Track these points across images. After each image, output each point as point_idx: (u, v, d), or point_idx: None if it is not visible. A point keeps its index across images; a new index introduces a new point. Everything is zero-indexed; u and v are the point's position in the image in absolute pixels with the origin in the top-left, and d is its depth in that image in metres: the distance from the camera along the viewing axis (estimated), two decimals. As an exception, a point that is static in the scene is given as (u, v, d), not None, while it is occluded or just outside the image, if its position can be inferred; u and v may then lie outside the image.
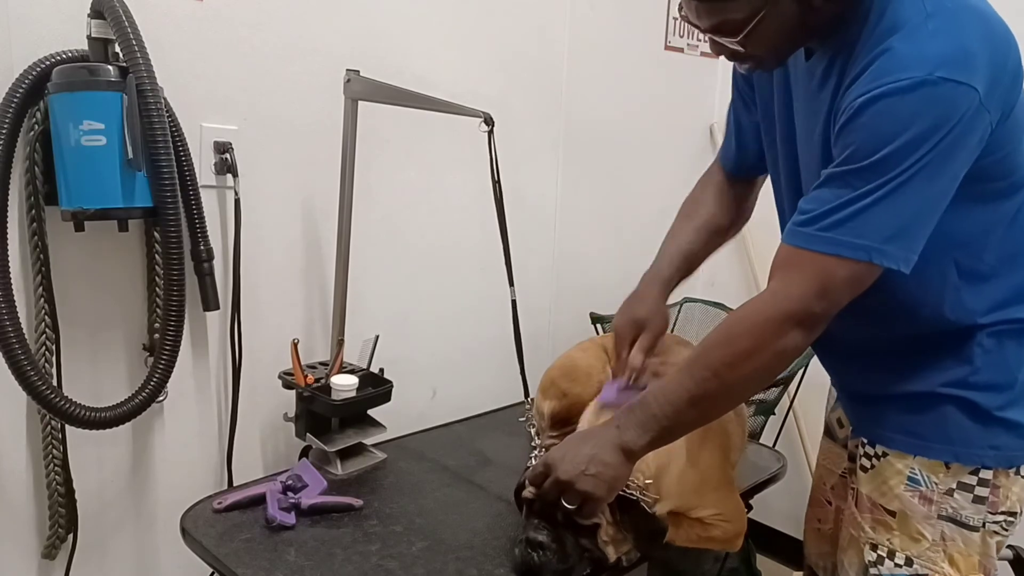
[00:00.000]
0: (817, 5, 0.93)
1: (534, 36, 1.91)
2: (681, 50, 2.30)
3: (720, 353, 0.98)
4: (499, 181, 1.21)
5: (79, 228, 1.19)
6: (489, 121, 1.19)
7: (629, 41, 2.15)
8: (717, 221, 1.31)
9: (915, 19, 0.90)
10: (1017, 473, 1.05)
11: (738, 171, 1.33)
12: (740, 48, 0.97)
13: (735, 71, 1.22)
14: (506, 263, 1.27)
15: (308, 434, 1.43)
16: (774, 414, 1.85)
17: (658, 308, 1.28)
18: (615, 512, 1.09)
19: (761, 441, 1.79)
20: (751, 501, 1.44)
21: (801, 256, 0.94)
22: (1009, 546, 1.83)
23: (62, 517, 1.30)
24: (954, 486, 1.04)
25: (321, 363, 1.53)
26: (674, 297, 2.25)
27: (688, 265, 1.31)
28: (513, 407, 1.88)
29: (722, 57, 1.05)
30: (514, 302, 1.30)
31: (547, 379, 1.59)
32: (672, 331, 2.15)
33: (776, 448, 1.73)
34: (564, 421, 1.49)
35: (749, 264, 2.36)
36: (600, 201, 2.18)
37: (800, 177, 1.12)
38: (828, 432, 1.34)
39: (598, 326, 2.00)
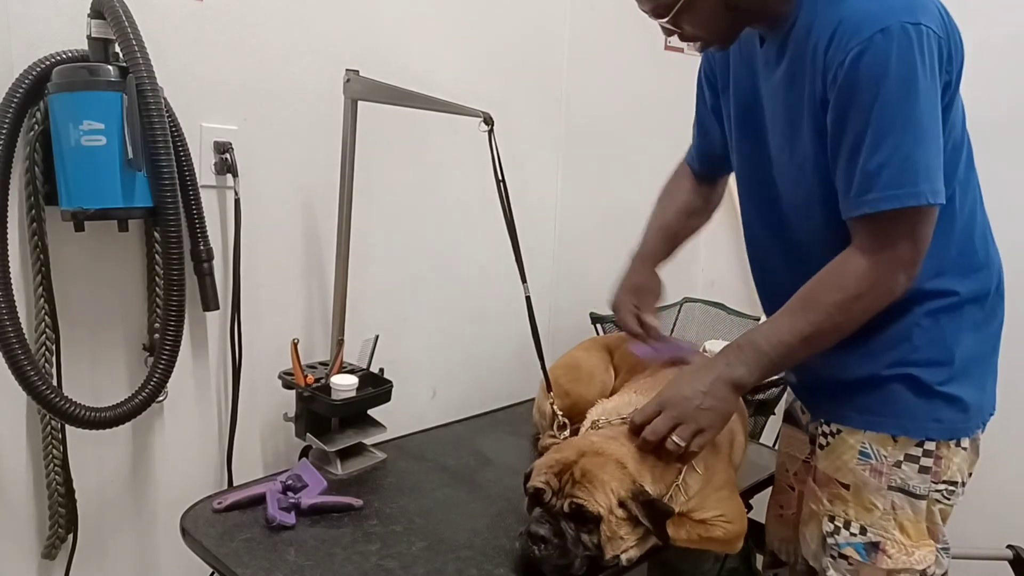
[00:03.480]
0: None
1: (534, 36, 1.91)
2: (681, 50, 2.29)
3: (836, 298, 1.06)
4: (503, 180, 1.21)
5: (79, 228, 1.19)
6: (489, 121, 1.19)
7: (629, 41, 2.15)
8: (694, 204, 1.43)
9: None
10: (958, 445, 1.13)
11: (705, 172, 1.44)
12: (674, 28, 1.10)
13: (699, 76, 1.39)
14: (516, 260, 1.26)
15: (308, 434, 1.43)
16: (774, 414, 1.85)
17: (652, 275, 1.40)
18: (630, 507, 1.10)
19: (761, 441, 1.79)
20: (751, 501, 1.44)
21: (895, 214, 1.00)
22: (1009, 546, 1.84)
23: (62, 517, 1.30)
24: (901, 458, 1.12)
25: (321, 363, 1.53)
26: (674, 297, 2.27)
27: (671, 244, 1.43)
28: (513, 407, 1.88)
29: None
30: (528, 298, 1.29)
31: (550, 378, 1.60)
32: (672, 332, 2.15)
33: (776, 448, 1.72)
34: (568, 419, 1.49)
35: (749, 265, 2.36)
36: (600, 201, 2.18)
37: (762, 169, 1.20)
38: (790, 419, 1.41)
39: (598, 326, 2.00)
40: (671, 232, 1.42)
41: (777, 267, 1.24)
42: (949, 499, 1.14)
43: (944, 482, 1.13)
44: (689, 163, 1.46)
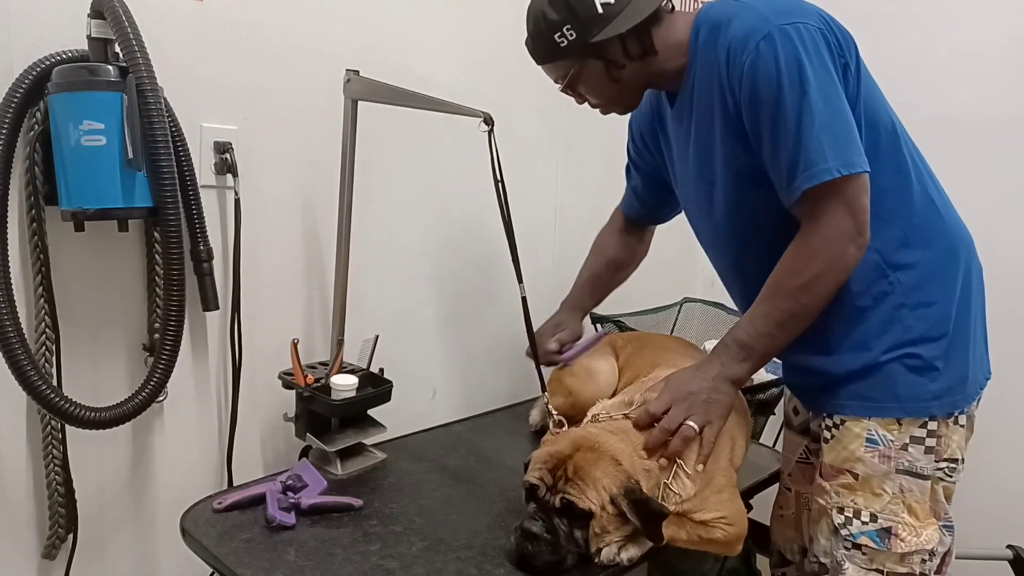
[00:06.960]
0: (621, 65, 1.18)
1: (534, 36, 1.91)
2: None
3: (797, 282, 1.12)
4: (502, 180, 1.21)
5: (79, 228, 1.19)
6: (489, 121, 1.19)
7: (629, 41, 2.15)
8: (620, 259, 1.63)
9: (733, 6, 1.12)
10: (956, 422, 1.17)
11: (638, 220, 1.62)
12: (576, 95, 1.26)
13: (628, 142, 1.53)
14: (513, 260, 1.27)
15: (308, 434, 1.43)
16: (774, 414, 1.85)
17: (575, 319, 1.61)
18: (619, 504, 1.10)
19: (761, 441, 1.80)
20: (751, 501, 1.44)
21: (818, 192, 1.07)
22: (1009, 546, 1.84)
23: (62, 517, 1.29)
24: (907, 440, 1.15)
25: (321, 363, 1.53)
26: (674, 297, 2.28)
27: (598, 295, 1.65)
28: (513, 407, 1.88)
29: None
30: (524, 299, 1.31)
31: (554, 377, 1.60)
32: (672, 331, 2.15)
33: (776, 448, 1.73)
34: (569, 418, 1.49)
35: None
36: (600, 201, 2.17)
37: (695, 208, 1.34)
38: (787, 423, 1.45)
39: (598, 326, 2.00)
40: (597, 286, 1.63)
41: (724, 271, 1.39)
42: (951, 476, 1.17)
43: (945, 460, 1.16)
44: (624, 210, 1.63)
